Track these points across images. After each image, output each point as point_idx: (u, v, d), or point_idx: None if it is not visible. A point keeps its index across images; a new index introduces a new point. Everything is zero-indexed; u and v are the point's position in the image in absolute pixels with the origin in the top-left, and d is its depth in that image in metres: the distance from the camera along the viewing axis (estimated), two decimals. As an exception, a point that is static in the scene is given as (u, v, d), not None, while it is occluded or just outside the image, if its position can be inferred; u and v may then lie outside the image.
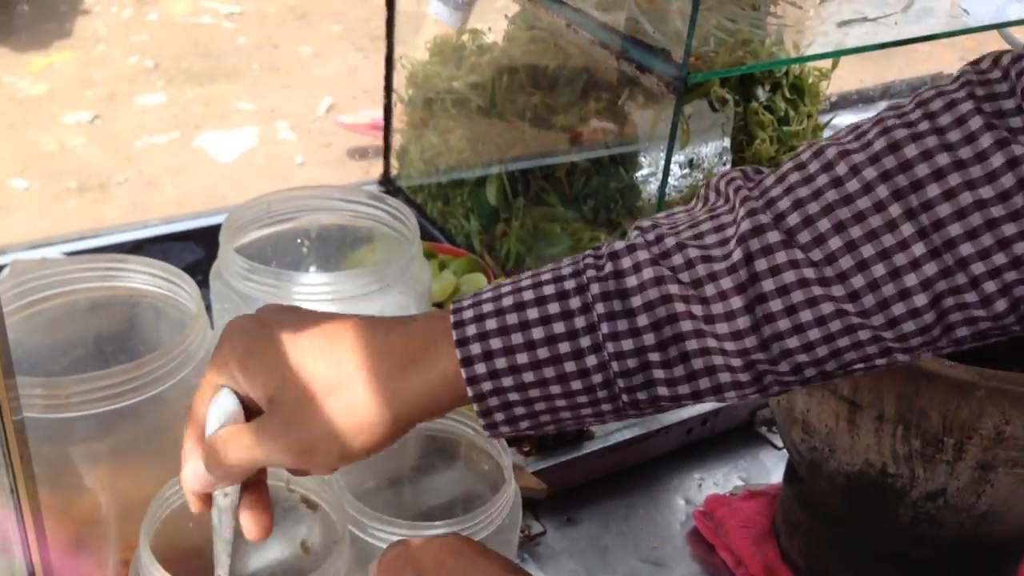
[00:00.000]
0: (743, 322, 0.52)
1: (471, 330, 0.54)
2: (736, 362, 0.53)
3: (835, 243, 0.51)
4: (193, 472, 0.60)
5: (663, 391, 0.54)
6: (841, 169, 0.52)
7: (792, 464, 0.89)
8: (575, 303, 0.54)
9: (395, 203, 0.92)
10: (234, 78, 3.57)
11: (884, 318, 0.51)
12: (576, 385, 0.54)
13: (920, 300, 0.51)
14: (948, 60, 1.85)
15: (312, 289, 0.82)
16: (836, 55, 1.18)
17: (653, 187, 1.22)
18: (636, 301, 0.53)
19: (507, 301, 0.55)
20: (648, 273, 0.53)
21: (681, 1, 1.01)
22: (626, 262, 0.54)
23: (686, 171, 1.41)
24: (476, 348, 0.54)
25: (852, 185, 0.51)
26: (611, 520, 0.96)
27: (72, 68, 3.50)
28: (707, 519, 0.95)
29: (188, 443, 0.61)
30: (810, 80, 1.48)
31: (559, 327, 0.54)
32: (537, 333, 0.54)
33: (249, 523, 0.61)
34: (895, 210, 0.50)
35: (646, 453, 1.02)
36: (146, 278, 0.81)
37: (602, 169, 1.23)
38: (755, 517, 0.94)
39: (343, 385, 0.55)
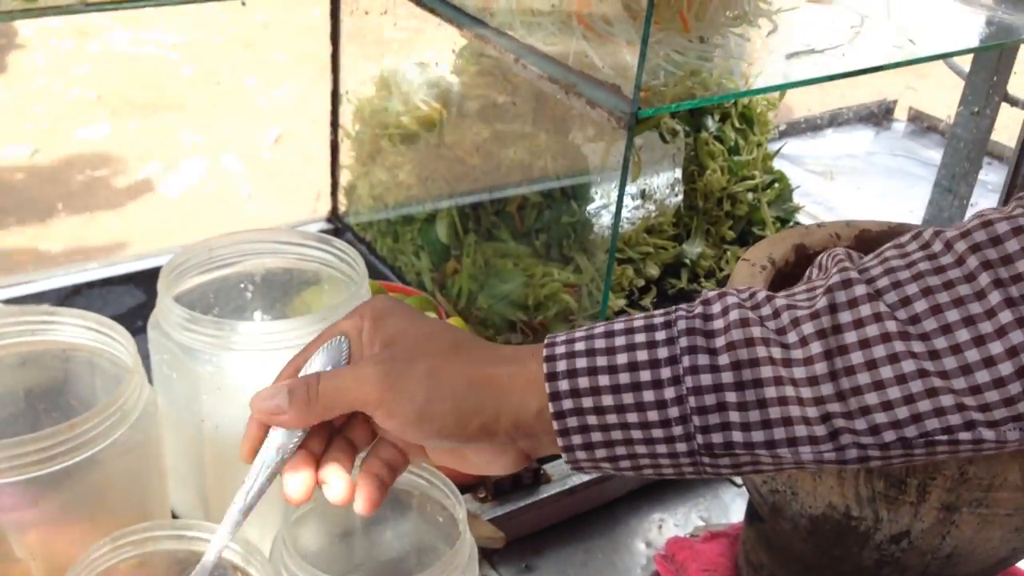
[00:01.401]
0: (820, 368, 0.53)
1: (560, 349, 0.57)
2: (812, 411, 0.53)
3: (920, 306, 0.52)
4: (270, 394, 0.59)
5: (738, 436, 0.54)
6: (936, 246, 0.54)
7: (753, 504, 0.87)
8: (661, 335, 0.56)
9: (342, 245, 0.89)
10: (179, 109, 3.52)
11: (966, 383, 0.51)
12: (653, 416, 0.55)
13: (1005, 368, 0.51)
14: (894, 88, 1.87)
15: (256, 339, 0.78)
16: (785, 87, 1.17)
17: (606, 219, 1.21)
18: (719, 341, 0.55)
19: (598, 330, 0.57)
20: (734, 315, 0.55)
21: (629, 35, 1.00)
22: (716, 306, 0.56)
23: (638, 202, 1.40)
24: (562, 365, 0.56)
25: (945, 259, 0.53)
26: (570, 566, 0.94)
27: (10, 101, 3.43)
28: (669, 563, 0.93)
29: (279, 376, 0.62)
30: (759, 110, 1.48)
31: (643, 355, 0.55)
32: (621, 359, 0.55)
33: (293, 484, 0.59)
34: (984, 279, 0.52)
35: (604, 495, 1.00)
36: (79, 331, 0.77)
37: (554, 203, 1.21)
38: (717, 559, 0.92)
39: (450, 353, 0.59)
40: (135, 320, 0.82)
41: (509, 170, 1.24)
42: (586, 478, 0.98)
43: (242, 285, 0.92)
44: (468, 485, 0.94)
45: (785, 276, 0.84)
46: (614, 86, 0.95)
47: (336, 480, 0.60)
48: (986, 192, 1.56)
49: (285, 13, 3.91)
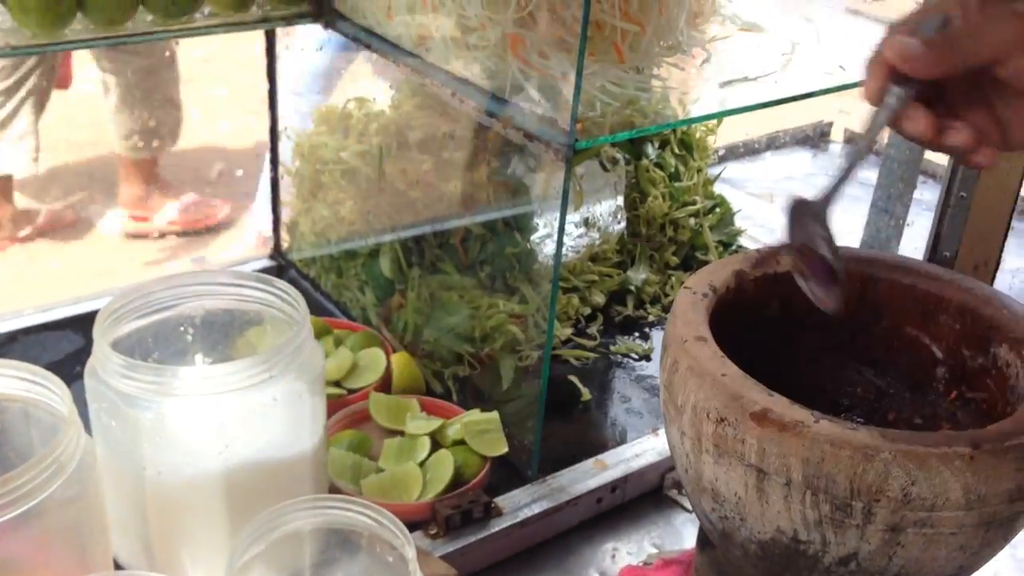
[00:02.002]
0: None
1: None
2: None
3: None
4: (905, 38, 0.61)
5: None
6: None
7: (704, 531, 0.88)
8: None
9: (282, 284, 0.88)
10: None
11: None
12: None
13: None
14: (829, 110, 1.91)
15: (198, 384, 0.77)
16: (720, 115, 1.19)
17: (549, 249, 1.21)
18: None
19: None
20: None
21: (564, 67, 1.00)
22: None
23: (582, 231, 1.41)
24: None
25: None
26: (524, 600, 0.93)
27: (-57, 142, 3.36)
28: (622, 592, 0.93)
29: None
30: (698, 136, 1.50)
31: None
32: None
33: (915, 120, 0.63)
34: None
35: (556, 527, 1.00)
36: (12, 382, 0.75)
37: (497, 234, 1.21)
38: (670, 587, 0.93)
39: None
40: (74, 366, 0.80)
41: (451, 203, 1.24)
42: (538, 509, 0.98)
43: (182, 328, 0.91)
44: (417, 522, 0.94)
45: (727, 303, 0.85)
46: (551, 119, 0.96)
47: (963, 126, 0.62)
48: (921, 211, 1.59)
49: (224, 48, 3.87)
